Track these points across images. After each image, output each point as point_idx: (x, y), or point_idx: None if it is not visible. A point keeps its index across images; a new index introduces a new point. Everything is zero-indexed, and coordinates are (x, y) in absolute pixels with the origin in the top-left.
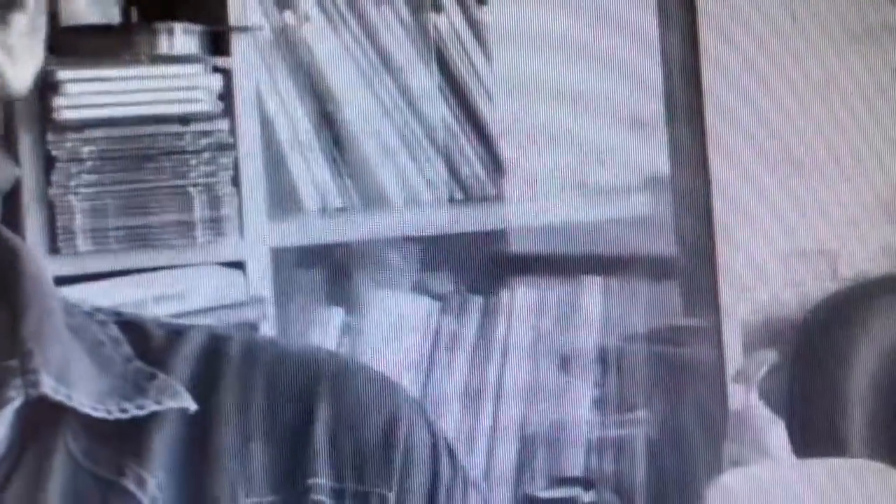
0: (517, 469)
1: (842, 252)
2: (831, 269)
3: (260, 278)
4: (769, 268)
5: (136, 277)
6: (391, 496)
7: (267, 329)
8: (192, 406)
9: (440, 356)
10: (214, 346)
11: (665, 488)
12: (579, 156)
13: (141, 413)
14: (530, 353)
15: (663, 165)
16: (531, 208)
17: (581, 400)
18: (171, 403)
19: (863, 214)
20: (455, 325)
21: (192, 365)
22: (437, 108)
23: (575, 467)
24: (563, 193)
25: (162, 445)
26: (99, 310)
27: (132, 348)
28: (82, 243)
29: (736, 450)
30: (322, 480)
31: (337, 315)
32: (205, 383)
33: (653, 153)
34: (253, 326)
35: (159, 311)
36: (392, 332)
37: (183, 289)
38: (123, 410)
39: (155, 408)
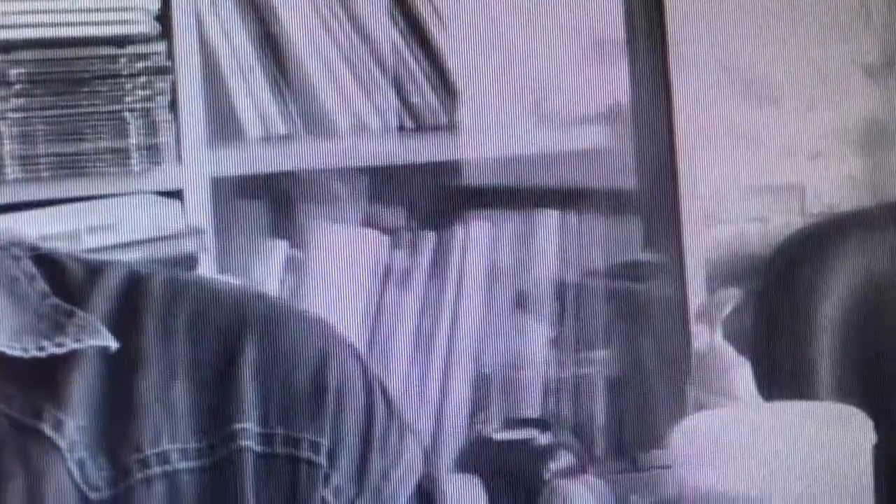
0: (471, 411)
1: (809, 185)
2: (798, 204)
3: (199, 209)
4: (733, 202)
5: (67, 207)
6: (323, 442)
7: (206, 262)
8: (114, 344)
9: (391, 293)
10: (135, 283)
11: (625, 431)
12: (536, 83)
13: (59, 352)
14: (485, 290)
15: (623, 94)
16: (485, 138)
17: (537, 339)
18: (91, 342)
19: (830, 146)
20: (406, 261)
21: (111, 302)
22: (387, 31)
23: (531, 408)
24: (519, 123)
25: (81, 387)
26: (13, 243)
27: (48, 284)
28: (11, 171)
29: (699, 392)
30: (249, 425)
31: (280, 248)
32: (125, 322)
33: (613, 81)
34: (191, 259)
35: (92, 243)
36: (339, 267)
37: (117, 219)
38: (40, 349)
39: (74, 346)
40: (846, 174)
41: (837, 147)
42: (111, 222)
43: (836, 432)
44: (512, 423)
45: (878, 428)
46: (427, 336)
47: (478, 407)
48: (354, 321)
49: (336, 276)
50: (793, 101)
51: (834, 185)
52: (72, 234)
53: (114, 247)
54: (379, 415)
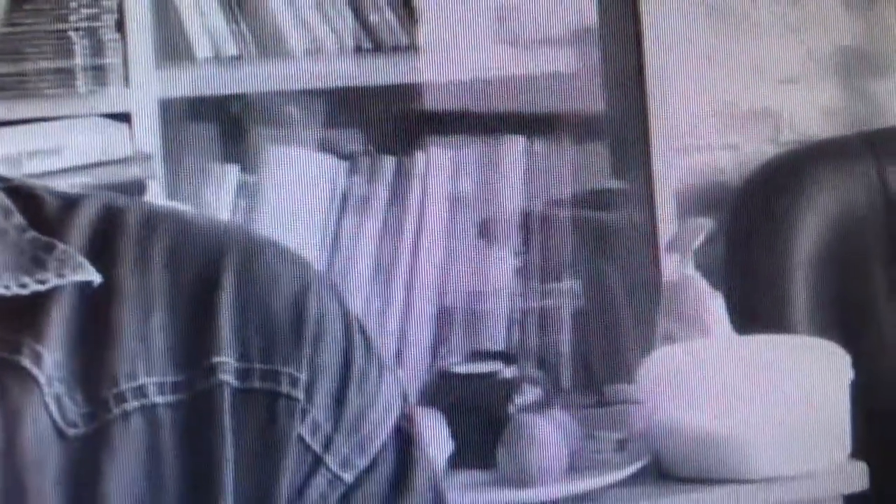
0: (433, 343)
1: (783, 113)
2: (772, 132)
3: (147, 132)
4: (705, 128)
5: (9, 130)
6: (302, 377)
7: (155, 188)
8: (97, 279)
9: (348, 221)
10: (112, 216)
11: (592, 364)
12: (501, 2)
13: (42, 289)
14: (447, 218)
15: (591, 15)
16: (447, 60)
17: (502, 269)
18: (73, 276)
19: (805, 72)
20: (365, 188)
21: (88, 235)
22: None
23: (495, 341)
24: (483, 44)
25: (59, 321)
26: None
27: (23, 217)
28: None
29: (670, 324)
30: (227, 359)
31: (232, 173)
32: (103, 255)
33: (580, 1)
34: (139, 185)
35: (35, 168)
36: (294, 193)
37: (61, 143)
38: (22, 286)
39: (57, 282)
40: (821, 102)
41: (813, 74)
42: (55, 146)
43: (813, 367)
44: (475, 355)
45: (856, 364)
46: (387, 266)
47: (440, 339)
48: (311, 249)
49: (290, 203)
50: (767, 24)
51: (809, 113)
52: (12, 159)
53: (58, 172)
54: (357, 352)
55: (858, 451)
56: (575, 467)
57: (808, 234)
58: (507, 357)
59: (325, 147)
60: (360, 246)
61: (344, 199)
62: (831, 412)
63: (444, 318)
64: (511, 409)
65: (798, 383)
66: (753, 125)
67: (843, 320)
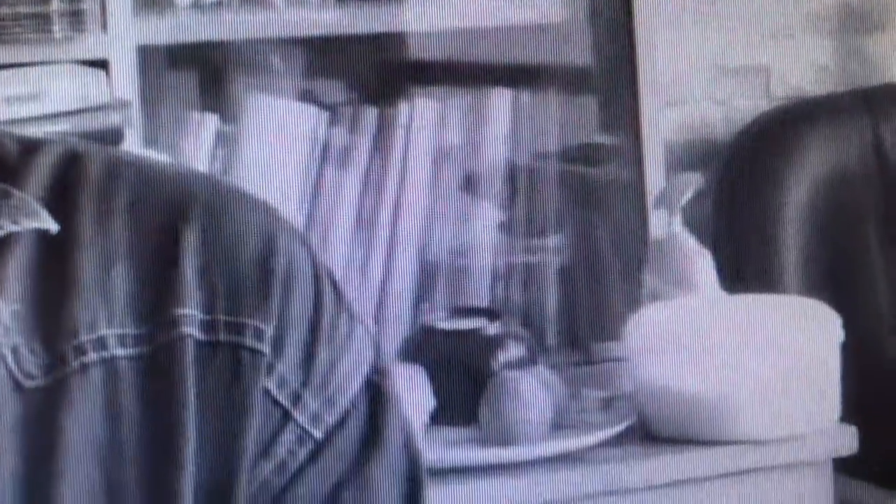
0: (415, 298)
1: (775, 68)
2: (763, 87)
3: (125, 79)
4: (695, 82)
5: None
6: (268, 330)
7: (132, 137)
8: (53, 227)
9: (329, 173)
10: (73, 162)
11: (578, 321)
12: None
13: None
14: (431, 171)
15: None
16: (432, 9)
17: (486, 224)
18: (28, 224)
19: (797, 26)
20: (346, 139)
21: (48, 182)
22: None
23: (479, 297)
24: None
25: (16, 271)
26: None
27: None
28: None
29: (657, 282)
30: (191, 311)
31: (211, 122)
32: (63, 202)
33: None
34: (116, 133)
35: (11, 114)
36: (274, 143)
37: (38, 89)
38: None
39: (11, 229)
40: (814, 58)
41: (806, 29)
42: (31, 92)
43: (803, 328)
44: (459, 311)
45: (846, 325)
46: (369, 219)
47: (422, 294)
48: (291, 201)
49: (270, 153)
50: None
51: (801, 69)
52: None
53: (34, 119)
54: (327, 303)
55: (848, 414)
56: (559, 426)
57: (798, 192)
58: (490, 313)
59: (307, 97)
60: (342, 198)
61: (325, 150)
62: (821, 374)
63: (426, 272)
64: (494, 365)
65: (787, 344)
66: (744, 80)
67: (834, 280)
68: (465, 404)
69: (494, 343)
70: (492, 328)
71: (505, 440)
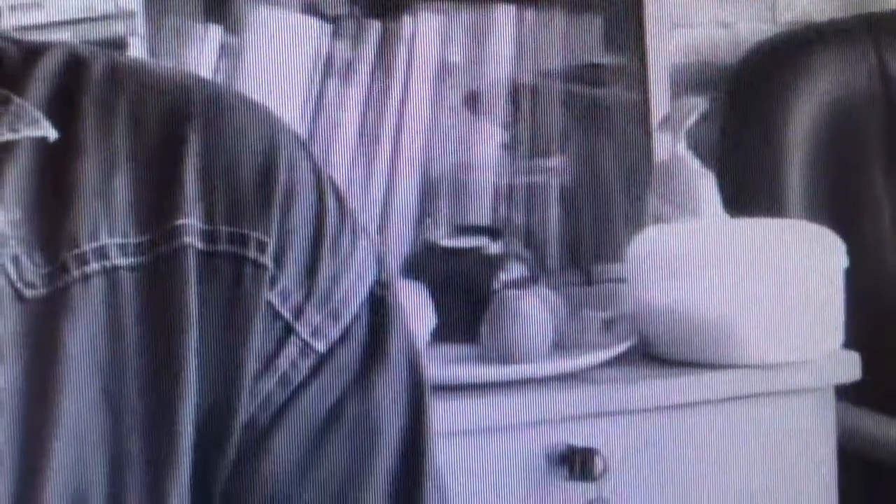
0: (418, 215)
1: None
2: (769, 10)
3: None
4: (700, 4)
5: None
6: (270, 242)
7: (136, 46)
8: (53, 134)
9: (332, 86)
10: (75, 68)
11: (580, 242)
12: None
13: None
14: (434, 87)
15: None
16: None
17: (489, 142)
18: (28, 132)
19: None
20: (349, 53)
21: (49, 88)
22: None
23: (481, 215)
24: None
25: (16, 178)
26: None
27: None
28: None
29: (660, 204)
30: (192, 221)
31: (215, 33)
32: (64, 109)
33: None
34: (119, 43)
35: (14, 22)
36: (277, 55)
37: None
38: None
39: (9, 136)
40: None
41: None
42: (34, 0)
43: (807, 253)
44: (461, 229)
45: (850, 252)
46: (371, 134)
47: (425, 211)
48: (293, 114)
49: (273, 65)
50: None
51: None
52: None
53: (37, 27)
54: (330, 214)
55: (851, 341)
56: (559, 346)
57: (803, 117)
58: (493, 232)
59: (309, 9)
60: (344, 112)
61: (328, 63)
62: (824, 300)
63: (429, 188)
64: (496, 284)
65: (791, 268)
66: (751, 4)
67: (838, 205)
68: (467, 322)
69: (496, 262)
70: (494, 247)
71: (505, 359)
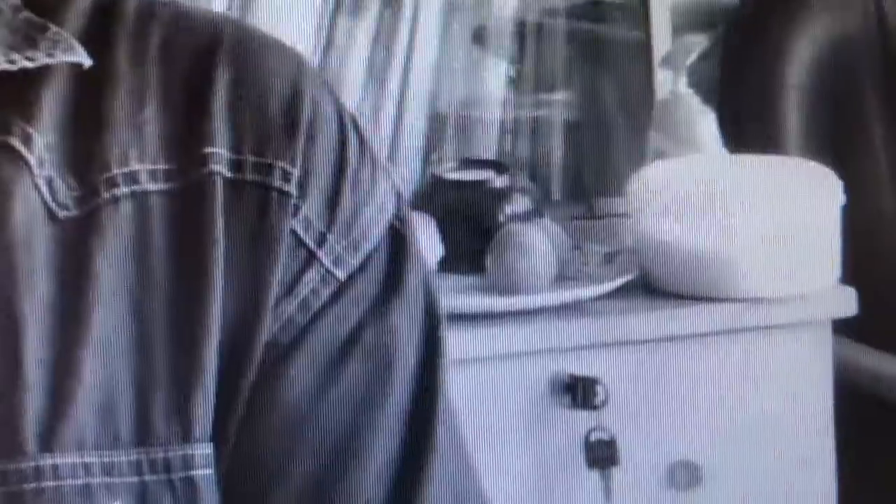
0: (425, 149)
1: None
2: None
3: None
4: None
5: None
6: (295, 172)
7: None
8: (87, 61)
9: (342, 23)
10: (111, 3)
11: (583, 176)
12: None
13: (30, 66)
14: (441, 22)
15: None
16: None
17: (495, 77)
18: (63, 57)
19: None
20: None
21: (85, 19)
22: None
23: (488, 150)
24: None
25: (52, 103)
26: None
27: None
28: None
29: (661, 140)
30: (220, 150)
31: None
32: (98, 40)
33: None
34: None
35: None
36: None
37: None
38: (11, 62)
39: (46, 61)
40: None
41: None
42: None
43: (805, 189)
44: (467, 163)
45: (847, 190)
46: (380, 69)
47: (432, 145)
48: (303, 50)
49: (283, 2)
50: None
51: None
52: None
53: None
54: (351, 150)
55: (848, 278)
56: (562, 278)
57: (801, 57)
58: (498, 166)
59: None
60: (354, 46)
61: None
62: (821, 235)
63: (436, 123)
64: (501, 217)
65: (789, 204)
66: None
67: (835, 145)
68: (472, 254)
69: (501, 195)
70: (499, 181)
71: (509, 289)
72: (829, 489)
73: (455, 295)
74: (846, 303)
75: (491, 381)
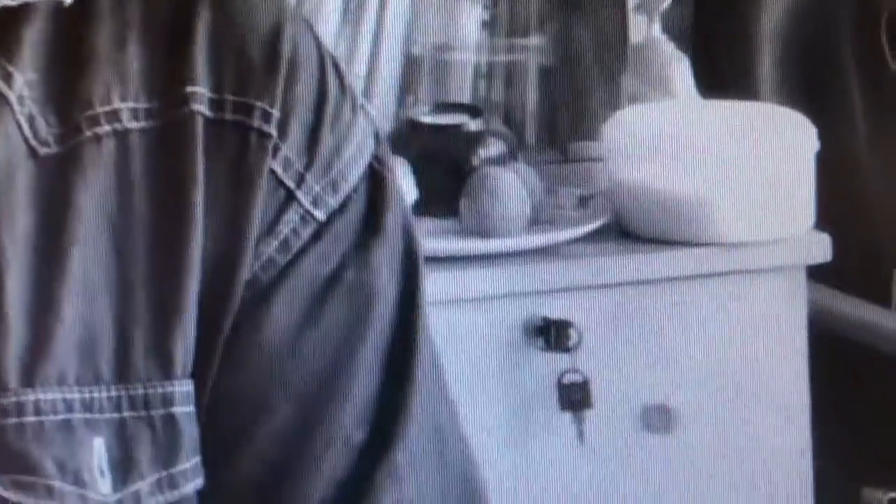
0: (399, 92)
1: None
2: None
3: None
4: None
5: None
6: (274, 112)
7: None
8: None
9: None
10: None
11: (557, 120)
12: None
13: (11, 3)
14: None
15: None
16: None
17: (470, 21)
18: None
19: None
20: None
21: None
22: None
23: (462, 93)
24: None
25: (33, 41)
26: None
27: None
28: None
29: (635, 85)
30: (200, 89)
31: None
32: None
33: None
34: None
35: None
36: None
37: None
38: None
39: None
40: None
41: None
42: None
43: (780, 135)
44: (442, 107)
45: (821, 137)
46: (355, 10)
47: (407, 89)
48: None
49: None
50: None
51: None
52: None
53: None
54: (331, 90)
55: (822, 224)
56: (536, 221)
57: (776, 1)
58: (473, 110)
59: None
60: None
61: None
62: (796, 181)
63: (410, 66)
64: (475, 161)
65: (763, 149)
66: None
67: (810, 92)
68: (446, 197)
69: (476, 139)
70: (473, 124)
71: (483, 233)
72: (805, 435)
73: (428, 238)
74: (820, 249)
75: (464, 325)
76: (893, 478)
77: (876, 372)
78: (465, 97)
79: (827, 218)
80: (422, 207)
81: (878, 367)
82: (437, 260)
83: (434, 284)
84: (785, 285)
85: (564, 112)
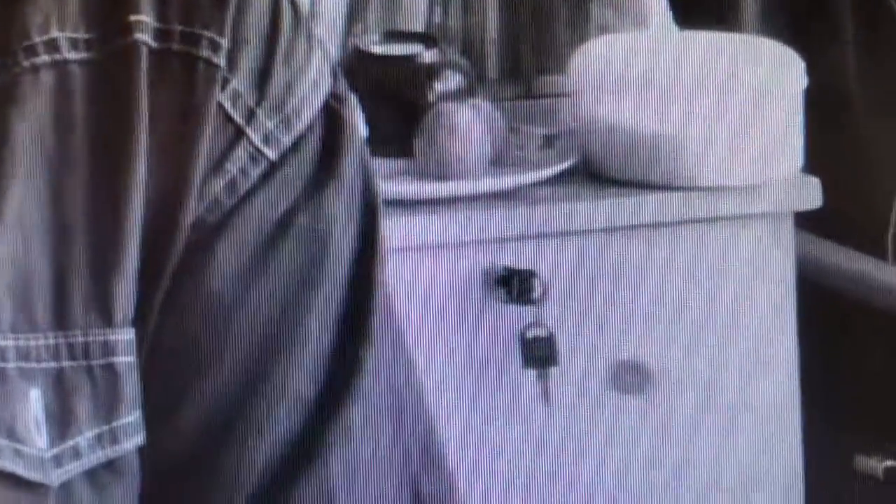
0: (347, 19)
1: None
2: None
3: None
4: None
5: None
6: (223, 42)
7: None
8: None
9: None
10: None
11: (521, 53)
12: None
13: None
14: None
15: None
16: None
17: None
18: None
19: None
20: None
21: None
22: None
23: (415, 22)
24: None
25: None
26: None
27: None
28: None
29: (606, 13)
30: (145, 18)
31: None
32: None
33: None
34: None
35: None
36: None
37: None
38: None
39: None
40: None
41: None
42: None
43: (763, 69)
44: (393, 36)
45: (810, 74)
46: None
47: (354, 15)
48: None
49: None
50: None
51: None
52: None
53: None
54: (285, 21)
55: (811, 168)
56: (498, 162)
57: None
58: (427, 39)
59: None
60: None
61: None
62: (781, 120)
63: None
64: (430, 96)
65: (745, 85)
66: None
67: (796, 25)
68: (399, 136)
69: (430, 71)
70: (428, 55)
71: (440, 174)
72: (793, 391)
73: (382, 180)
74: (809, 194)
75: (419, 274)
76: (890, 444)
77: (870, 328)
78: (419, 25)
79: (816, 161)
80: (372, 147)
81: (872, 323)
82: (389, 204)
83: (386, 230)
84: (770, 233)
85: (528, 43)
